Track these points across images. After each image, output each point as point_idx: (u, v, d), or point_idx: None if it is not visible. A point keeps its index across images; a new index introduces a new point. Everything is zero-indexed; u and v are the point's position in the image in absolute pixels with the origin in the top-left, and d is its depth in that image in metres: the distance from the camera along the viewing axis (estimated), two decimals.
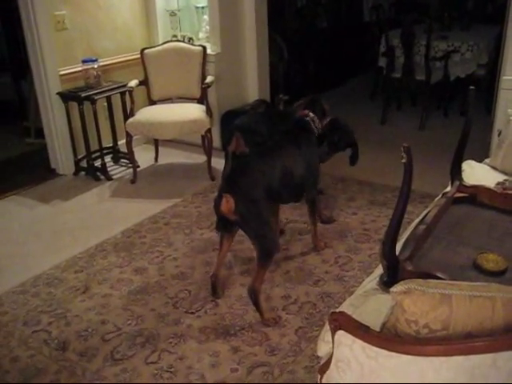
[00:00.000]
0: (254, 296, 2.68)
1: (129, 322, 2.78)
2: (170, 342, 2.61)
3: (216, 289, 2.94)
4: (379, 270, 2.15)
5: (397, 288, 1.39)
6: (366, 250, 3.32)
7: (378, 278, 2.09)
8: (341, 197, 4.03)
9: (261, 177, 2.75)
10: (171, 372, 2.43)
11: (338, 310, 1.61)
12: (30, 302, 2.99)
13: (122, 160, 4.95)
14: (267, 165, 2.83)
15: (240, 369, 2.42)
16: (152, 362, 2.50)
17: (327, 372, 1.64)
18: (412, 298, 1.35)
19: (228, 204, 2.62)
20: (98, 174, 4.63)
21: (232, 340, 2.60)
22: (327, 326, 1.68)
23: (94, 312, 2.88)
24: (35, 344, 2.66)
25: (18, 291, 3.09)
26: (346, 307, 1.92)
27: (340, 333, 1.52)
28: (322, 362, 1.74)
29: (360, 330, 1.47)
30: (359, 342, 1.47)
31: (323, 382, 1.69)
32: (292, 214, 3.78)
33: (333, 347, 1.58)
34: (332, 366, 1.60)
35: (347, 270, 3.12)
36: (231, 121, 4.90)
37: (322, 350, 1.77)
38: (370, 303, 1.92)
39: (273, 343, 2.57)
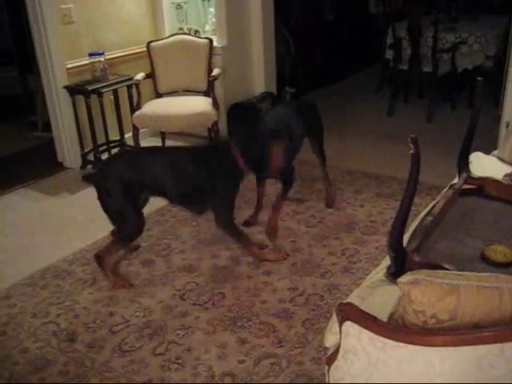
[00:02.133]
0: (99, 261, 3.00)
1: (136, 313, 2.80)
2: (178, 334, 2.63)
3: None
4: (386, 262, 2.15)
5: (404, 278, 1.39)
6: (372, 242, 3.32)
7: (385, 270, 2.09)
8: (348, 189, 4.02)
9: (121, 174, 2.90)
10: (179, 363, 2.44)
11: (345, 301, 1.62)
12: (38, 294, 3.01)
13: None
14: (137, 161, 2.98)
15: (247, 360, 2.43)
16: (160, 354, 2.51)
17: (335, 363, 1.64)
18: (420, 289, 1.35)
19: None
20: None
21: (239, 332, 2.61)
22: (335, 317, 1.69)
23: (102, 304, 2.89)
24: (44, 336, 2.68)
25: (27, 283, 3.11)
26: (353, 298, 1.93)
27: (347, 323, 1.53)
28: (330, 352, 1.74)
29: (367, 321, 1.47)
30: (367, 333, 1.47)
31: (331, 372, 1.69)
32: (298, 207, 3.78)
33: (340, 338, 1.58)
34: (339, 356, 1.61)
35: (354, 262, 3.12)
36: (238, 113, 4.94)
37: (330, 341, 1.77)
38: (377, 294, 1.92)
39: (280, 335, 2.58)
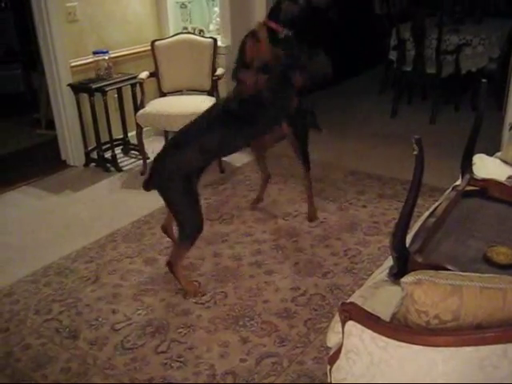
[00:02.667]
0: (171, 269, 2.89)
1: (139, 311, 2.80)
2: (180, 332, 2.63)
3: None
4: (389, 262, 2.15)
5: (408, 279, 1.39)
6: (375, 242, 3.32)
7: (387, 270, 2.10)
8: (350, 190, 4.03)
9: (176, 165, 2.80)
10: (181, 362, 2.45)
11: (348, 301, 1.62)
12: (41, 291, 3.02)
13: (132, 152, 4.96)
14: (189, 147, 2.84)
15: (249, 359, 2.44)
16: (162, 352, 2.52)
17: (337, 362, 1.65)
18: (423, 289, 1.36)
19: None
20: (109, 165, 4.65)
21: (241, 331, 2.62)
22: (337, 317, 1.69)
23: (105, 302, 2.90)
24: (47, 332, 2.68)
25: (30, 280, 3.12)
26: (355, 298, 1.93)
27: (350, 323, 1.53)
28: (332, 352, 1.74)
29: (370, 321, 1.48)
30: (369, 332, 1.47)
31: (333, 372, 1.70)
32: (301, 206, 3.79)
33: (343, 338, 1.59)
34: (342, 356, 1.61)
35: (356, 263, 3.12)
36: None
37: (332, 340, 1.78)
38: (379, 294, 1.92)
39: (282, 334, 2.58)
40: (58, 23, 4.37)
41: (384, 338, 1.43)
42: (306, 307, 2.76)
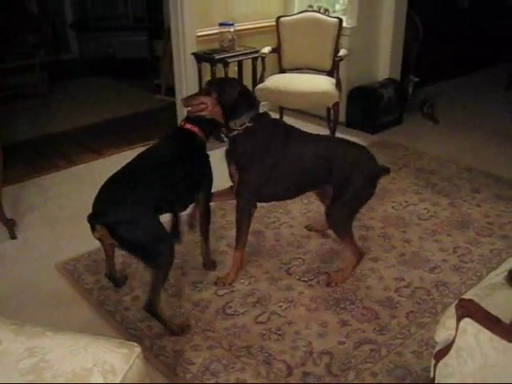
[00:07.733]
0: (151, 309, 2.42)
1: (242, 280, 2.87)
2: (281, 306, 2.67)
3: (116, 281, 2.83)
4: (508, 265, 2.07)
5: None
6: (487, 243, 3.18)
7: (505, 273, 2.01)
8: (465, 187, 3.87)
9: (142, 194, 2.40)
10: (279, 334, 2.49)
11: (467, 298, 1.58)
12: None
13: None
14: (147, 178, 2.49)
15: (347, 342, 2.43)
16: (261, 322, 2.57)
17: (445, 359, 1.62)
18: None
19: (100, 233, 2.35)
20: (222, 135, 4.74)
21: (341, 313, 2.61)
22: (450, 312, 1.65)
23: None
24: None
25: None
26: (469, 297, 1.87)
27: (466, 321, 1.50)
28: (439, 347, 1.71)
29: (489, 321, 1.44)
30: (487, 333, 1.43)
31: (438, 368, 1.67)
32: (412, 198, 3.70)
33: (455, 335, 1.55)
34: (452, 353, 1.58)
35: (465, 262, 3.01)
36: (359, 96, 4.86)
37: (441, 336, 1.74)
38: (496, 297, 1.85)
39: (382, 323, 2.55)
40: None
41: (503, 342, 1.39)
42: (409, 299, 2.71)
